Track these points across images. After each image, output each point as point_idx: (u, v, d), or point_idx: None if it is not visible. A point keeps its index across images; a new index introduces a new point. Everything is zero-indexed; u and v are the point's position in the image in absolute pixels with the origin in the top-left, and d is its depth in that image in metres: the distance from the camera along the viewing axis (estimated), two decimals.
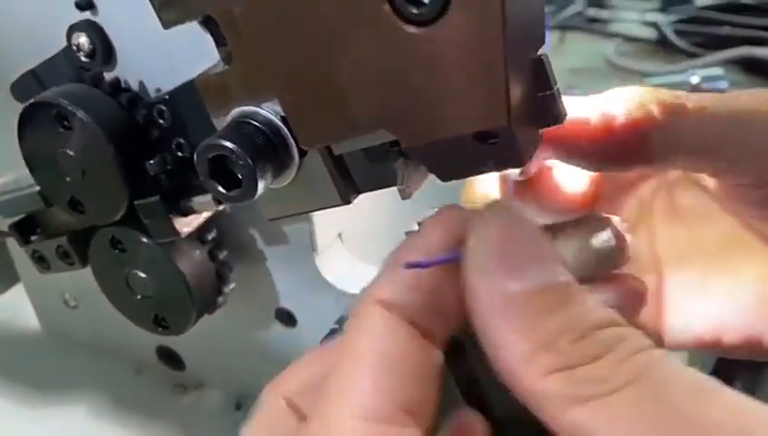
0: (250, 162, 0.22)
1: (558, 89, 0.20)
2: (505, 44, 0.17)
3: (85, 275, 0.35)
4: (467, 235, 0.17)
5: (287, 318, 0.35)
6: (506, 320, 0.17)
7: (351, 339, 0.18)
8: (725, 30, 0.85)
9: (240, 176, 0.22)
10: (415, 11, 0.17)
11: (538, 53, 0.19)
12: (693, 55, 0.82)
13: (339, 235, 0.34)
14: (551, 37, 0.90)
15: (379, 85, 0.18)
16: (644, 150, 0.23)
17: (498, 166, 0.20)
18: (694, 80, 0.71)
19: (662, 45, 0.86)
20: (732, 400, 0.15)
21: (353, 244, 0.34)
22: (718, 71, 0.73)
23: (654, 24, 0.88)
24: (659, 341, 0.27)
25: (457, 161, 0.20)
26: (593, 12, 0.95)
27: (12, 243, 0.43)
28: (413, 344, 0.17)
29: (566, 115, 0.20)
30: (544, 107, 0.20)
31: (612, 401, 0.15)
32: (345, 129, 0.20)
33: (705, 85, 0.71)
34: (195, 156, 0.22)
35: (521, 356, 0.16)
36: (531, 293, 0.17)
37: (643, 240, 0.28)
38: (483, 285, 0.17)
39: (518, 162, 0.19)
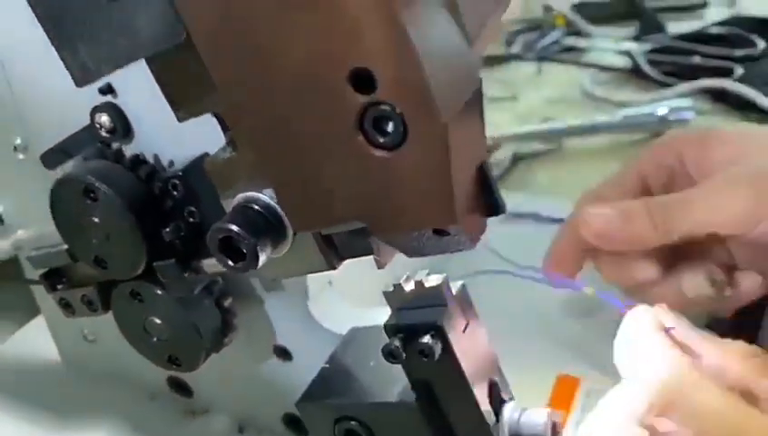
0: (252, 241, 0.26)
1: (498, 189, 0.24)
2: (449, 168, 0.21)
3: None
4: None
5: (283, 354, 0.40)
6: None
7: None
8: (696, 60, 0.90)
9: (244, 252, 0.27)
10: (381, 140, 0.22)
11: (483, 160, 0.24)
12: (665, 85, 0.87)
13: (330, 282, 0.39)
14: (530, 67, 0.95)
15: (356, 190, 0.23)
16: None
17: (452, 249, 0.24)
18: (662, 111, 0.76)
19: (636, 74, 0.91)
20: None
21: (342, 289, 0.39)
22: (685, 102, 0.77)
23: (627, 54, 0.93)
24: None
25: (419, 245, 0.25)
26: (570, 40, 1.00)
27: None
28: None
29: (504, 207, 0.25)
30: (487, 202, 0.24)
31: None
32: (328, 220, 0.25)
33: (672, 117, 0.76)
34: (207, 235, 0.27)
35: None
36: None
37: None
38: None
39: (468, 247, 0.24)
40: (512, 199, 0.64)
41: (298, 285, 0.37)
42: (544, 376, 0.47)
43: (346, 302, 0.39)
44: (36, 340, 0.53)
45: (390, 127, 0.22)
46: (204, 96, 0.27)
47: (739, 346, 0.30)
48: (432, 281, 0.28)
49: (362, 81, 0.21)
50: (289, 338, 0.39)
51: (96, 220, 0.34)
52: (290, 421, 0.42)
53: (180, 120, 0.29)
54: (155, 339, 0.37)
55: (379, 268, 0.27)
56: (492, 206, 0.24)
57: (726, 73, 0.85)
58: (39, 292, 0.48)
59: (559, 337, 0.49)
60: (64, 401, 0.48)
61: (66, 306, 0.40)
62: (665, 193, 0.43)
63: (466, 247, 0.24)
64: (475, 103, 0.23)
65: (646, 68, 0.89)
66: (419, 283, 0.28)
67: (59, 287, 0.40)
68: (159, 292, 0.35)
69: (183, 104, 0.29)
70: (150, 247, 0.33)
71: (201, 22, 0.22)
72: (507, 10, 0.24)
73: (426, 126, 0.21)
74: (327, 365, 0.34)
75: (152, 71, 0.28)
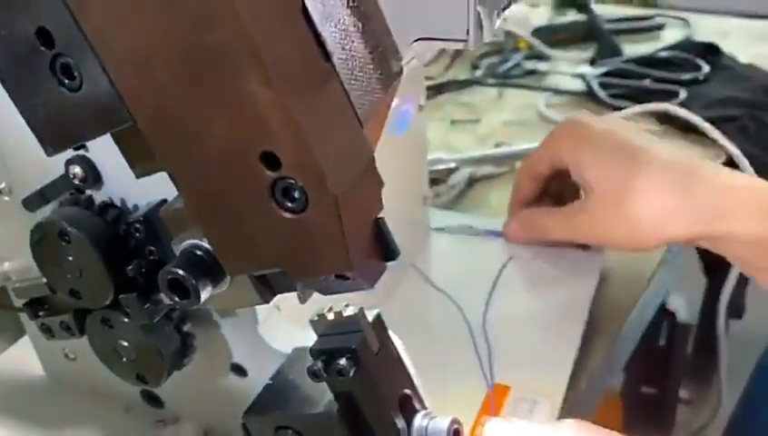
0: (194, 282, 0.32)
1: (392, 239, 0.30)
2: (343, 227, 0.27)
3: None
4: None
5: (239, 371, 0.45)
6: None
7: None
8: (647, 83, 0.96)
9: (188, 289, 0.32)
10: (289, 205, 0.27)
11: (378, 216, 0.30)
12: (616, 108, 0.93)
13: (278, 307, 0.44)
14: (492, 91, 1.01)
15: (273, 244, 0.29)
16: None
17: (354, 289, 0.30)
18: None
19: (589, 97, 0.97)
20: None
21: (288, 313, 0.45)
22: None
23: (582, 77, 0.99)
24: None
25: (329, 285, 0.30)
26: (531, 64, 1.06)
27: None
28: None
29: (398, 253, 0.30)
30: (382, 249, 0.30)
31: None
32: (253, 266, 0.30)
33: None
34: (158, 276, 0.33)
35: None
36: None
37: None
38: None
39: (368, 286, 0.30)
40: (463, 220, 0.71)
41: (248, 311, 0.42)
42: (478, 385, 0.52)
43: (292, 325, 0.44)
44: (24, 357, 0.58)
45: (296, 195, 0.27)
46: (153, 160, 0.33)
47: None
48: (349, 310, 0.34)
49: (270, 160, 0.27)
50: (243, 357, 0.44)
51: (70, 258, 0.39)
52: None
53: (137, 176, 0.35)
54: (124, 359, 0.42)
55: (301, 303, 0.33)
56: (387, 252, 0.30)
57: (673, 95, 0.91)
58: (24, 316, 0.54)
59: (492, 348, 0.55)
60: (48, 413, 0.54)
61: (47, 330, 0.45)
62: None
63: (365, 287, 0.30)
64: (367, 172, 0.29)
65: (599, 91, 0.95)
66: (338, 313, 0.34)
67: (40, 314, 0.45)
68: (125, 319, 0.40)
69: (139, 163, 0.34)
70: (116, 281, 0.39)
71: (143, 110, 0.28)
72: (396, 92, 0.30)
73: (321, 197, 0.27)
74: (270, 381, 0.39)
75: (113, 137, 0.34)
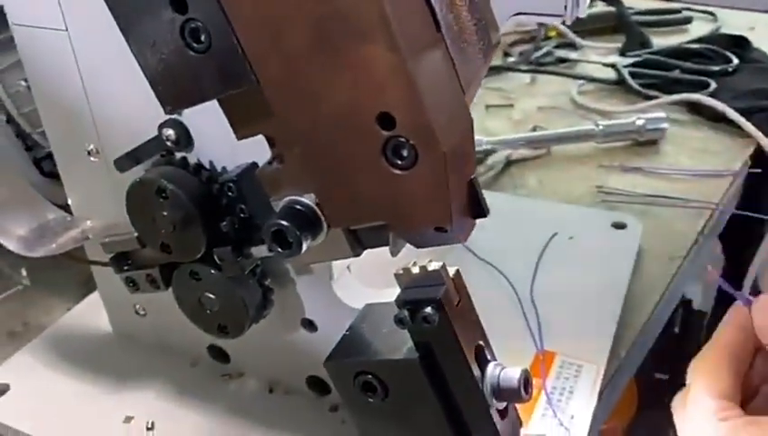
0: (297, 233, 0.35)
1: (484, 198, 0.33)
2: (448, 182, 0.30)
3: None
4: None
5: (310, 325, 0.48)
6: None
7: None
8: (676, 73, 0.98)
9: (290, 241, 0.35)
10: (399, 162, 0.30)
11: (471, 177, 0.33)
12: (645, 96, 0.95)
13: (348, 267, 0.47)
14: (525, 77, 1.04)
15: (379, 198, 0.32)
16: None
17: (449, 242, 0.33)
18: (639, 122, 0.85)
19: (620, 86, 0.99)
20: None
21: (357, 272, 0.48)
22: (660, 114, 0.86)
23: (613, 66, 1.02)
24: None
25: (425, 238, 0.33)
26: (562, 52, 1.09)
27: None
28: None
29: (488, 212, 0.33)
30: (474, 208, 0.33)
31: None
32: (357, 219, 0.33)
33: (649, 126, 0.85)
34: (263, 228, 0.36)
35: None
36: None
37: None
38: None
39: (462, 239, 0.33)
40: (503, 199, 0.74)
41: (323, 269, 0.45)
42: (526, 350, 0.55)
43: (361, 284, 0.48)
44: (91, 315, 0.61)
45: (405, 154, 0.30)
46: (257, 122, 0.36)
47: None
48: (433, 265, 0.37)
49: (386, 121, 0.30)
50: (315, 312, 0.48)
51: (165, 213, 0.42)
52: (314, 382, 0.51)
53: (238, 138, 0.38)
54: (208, 311, 0.46)
55: (392, 256, 0.36)
56: (479, 210, 0.33)
57: (702, 86, 0.93)
58: (97, 272, 0.57)
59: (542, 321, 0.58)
60: (116, 367, 0.57)
61: (132, 284, 0.48)
62: None
63: (459, 241, 0.33)
64: (467, 135, 0.32)
65: (630, 81, 0.97)
66: (423, 267, 0.37)
67: (125, 268, 0.48)
68: (213, 272, 0.44)
69: (241, 126, 0.37)
70: (209, 236, 0.42)
71: (269, 72, 0.31)
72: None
73: (431, 154, 0.30)
74: (347, 333, 0.42)
75: (218, 101, 0.36)
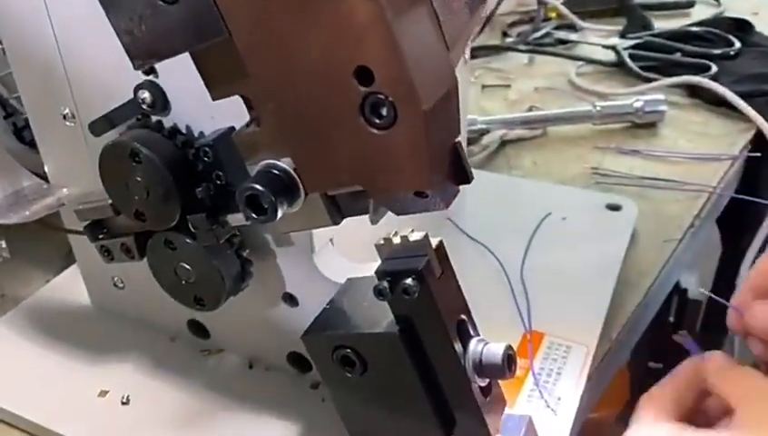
0: (272, 198, 0.33)
1: (468, 162, 0.31)
2: (429, 144, 0.28)
3: (132, 263, 0.46)
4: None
5: (290, 300, 0.47)
6: None
7: None
8: (676, 56, 0.97)
9: (265, 206, 0.34)
10: (377, 121, 0.29)
11: (456, 140, 0.31)
12: (645, 79, 0.93)
13: (331, 239, 0.46)
14: (523, 58, 1.02)
15: (357, 160, 0.30)
16: None
17: (430, 209, 0.31)
18: (638, 104, 0.83)
19: (619, 68, 0.97)
20: None
21: (340, 246, 0.46)
22: (659, 96, 0.84)
23: (613, 48, 1.00)
24: None
25: (405, 205, 0.31)
26: (562, 33, 1.06)
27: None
28: None
29: (472, 178, 0.32)
30: (458, 173, 0.31)
31: None
32: (335, 183, 0.32)
33: (647, 109, 0.83)
34: (236, 192, 0.34)
35: None
36: None
37: None
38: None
39: (443, 206, 0.31)
40: (497, 179, 0.72)
41: (304, 241, 0.44)
42: (515, 331, 0.54)
43: (343, 256, 0.46)
44: (70, 287, 0.60)
45: (384, 112, 0.28)
46: (234, 81, 0.34)
47: None
48: (415, 236, 0.35)
49: (364, 76, 0.28)
50: (295, 286, 0.46)
51: (139, 179, 0.41)
52: (295, 358, 0.50)
53: (213, 99, 0.36)
54: (184, 282, 0.44)
55: (372, 224, 0.34)
56: (462, 176, 0.31)
57: (703, 69, 0.92)
58: (75, 242, 0.55)
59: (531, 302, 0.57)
60: (93, 340, 0.56)
61: (106, 253, 0.46)
62: None
63: (440, 208, 0.31)
64: (450, 95, 0.30)
65: (630, 63, 0.95)
66: (404, 238, 0.35)
67: (100, 236, 0.47)
68: (189, 241, 0.42)
69: (217, 86, 0.35)
70: (184, 203, 0.40)
71: (240, 24, 0.29)
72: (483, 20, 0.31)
73: (411, 112, 0.28)
74: (327, 306, 0.41)
75: (193, 59, 0.35)
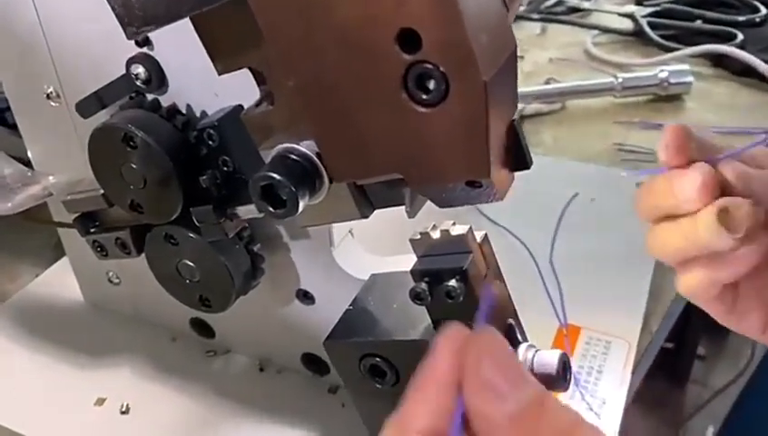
0: (293, 189, 0.28)
1: (527, 145, 0.26)
2: (487, 123, 0.23)
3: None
4: (468, 366, 0.21)
5: (306, 297, 0.42)
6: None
7: None
8: (697, 24, 0.91)
9: (284, 199, 0.29)
10: (424, 97, 0.24)
11: (513, 118, 0.26)
12: (666, 48, 0.88)
13: (350, 231, 0.41)
14: (535, 27, 0.96)
15: (395, 144, 0.25)
16: None
17: (482, 200, 0.27)
18: (663, 75, 0.78)
19: (637, 37, 0.92)
20: None
21: (361, 238, 0.41)
22: (684, 66, 0.79)
23: (630, 16, 0.94)
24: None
25: (451, 196, 0.27)
26: (575, 1, 1.01)
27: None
28: None
29: (531, 162, 0.27)
30: (516, 157, 0.26)
31: None
32: (368, 171, 0.27)
33: (672, 80, 0.78)
34: (250, 183, 0.29)
35: None
36: (527, 406, 0.21)
37: None
38: (487, 407, 0.21)
39: (496, 199, 0.26)
40: None
41: (322, 233, 0.39)
42: (548, 325, 0.49)
43: (365, 249, 0.41)
44: (62, 281, 0.55)
45: (432, 85, 0.23)
46: (242, 51, 0.29)
47: None
48: (458, 229, 0.31)
49: (408, 41, 0.23)
50: (312, 282, 0.41)
51: (134, 166, 0.36)
52: (310, 360, 0.45)
53: (219, 73, 0.31)
54: (187, 281, 0.39)
55: (409, 217, 0.29)
56: (520, 161, 0.26)
57: (727, 38, 0.86)
58: (65, 235, 0.50)
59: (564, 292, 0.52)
60: (87, 340, 0.51)
61: (99, 249, 0.42)
62: None
63: (494, 199, 0.26)
64: (512, 61, 0.25)
65: (648, 31, 0.90)
66: (445, 232, 0.31)
67: (92, 230, 0.42)
68: (192, 235, 0.37)
69: (223, 57, 0.30)
70: (186, 193, 0.35)
71: None
72: None
73: (467, 84, 0.23)
74: (350, 307, 0.36)
75: (194, 25, 0.29)
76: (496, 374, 0.21)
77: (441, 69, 0.23)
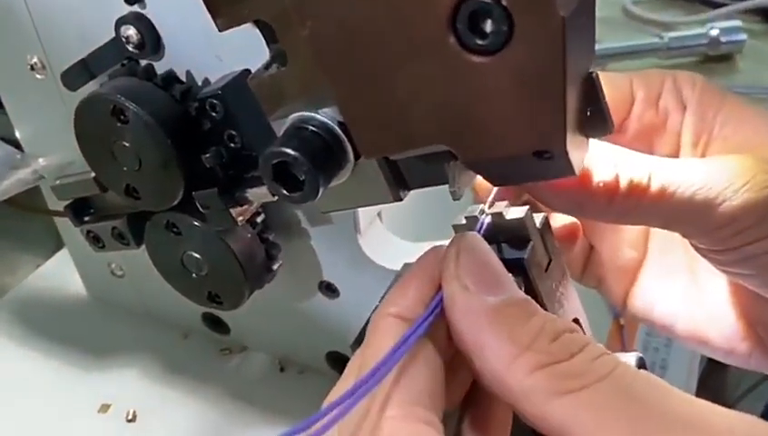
0: (312, 167, 0.23)
1: (606, 102, 0.21)
2: (564, 72, 0.18)
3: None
4: (444, 266, 0.22)
5: (329, 290, 0.37)
6: (489, 327, 0.20)
7: (374, 345, 0.21)
8: None
9: (301, 179, 0.24)
10: (479, 42, 0.18)
11: (590, 70, 0.20)
12: (713, 5, 0.81)
13: (379, 215, 0.36)
14: None
15: (441, 105, 0.20)
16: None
17: (550, 177, 0.21)
18: (713, 32, 0.71)
19: None
20: (681, 394, 0.19)
21: (390, 222, 0.36)
22: (736, 23, 0.72)
23: None
24: (623, 309, 0.31)
25: (511, 171, 0.21)
26: None
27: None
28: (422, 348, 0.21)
29: (613, 127, 0.21)
30: (593, 119, 0.21)
31: (590, 393, 0.18)
32: (405, 143, 0.21)
33: (724, 38, 0.71)
34: (260, 161, 0.24)
35: (506, 358, 0.19)
36: (505, 305, 0.20)
37: None
38: (464, 300, 0.20)
39: (571, 172, 0.21)
40: None
41: (347, 218, 0.34)
42: (598, 316, 0.44)
43: (395, 235, 0.36)
44: (63, 273, 0.50)
45: (489, 26, 0.18)
46: (248, 2, 0.24)
47: None
48: (514, 212, 0.25)
49: None
50: (336, 273, 0.36)
51: (127, 144, 0.31)
52: (335, 360, 0.40)
53: (220, 29, 0.25)
54: (194, 275, 0.34)
55: (454, 199, 0.24)
56: (600, 123, 0.21)
57: None
58: (63, 224, 0.46)
59: None
60: (91, 339, 0.46)
61: (95, 240, 0.37)
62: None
63: (567, 174, 0.21)
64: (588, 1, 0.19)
65: None
66: (498, 215, 0.25)
67: (86, 219, 0.37)
68: (197, 223, 0.32)
69: (225, 11, 0.25)
70: (188, 174, 0.30)
71: None
72: None
73: (538, 22, 0.17)
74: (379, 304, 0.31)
75: None
76: (471, 265, 0.21)
77: (503, 3, 0.17)
